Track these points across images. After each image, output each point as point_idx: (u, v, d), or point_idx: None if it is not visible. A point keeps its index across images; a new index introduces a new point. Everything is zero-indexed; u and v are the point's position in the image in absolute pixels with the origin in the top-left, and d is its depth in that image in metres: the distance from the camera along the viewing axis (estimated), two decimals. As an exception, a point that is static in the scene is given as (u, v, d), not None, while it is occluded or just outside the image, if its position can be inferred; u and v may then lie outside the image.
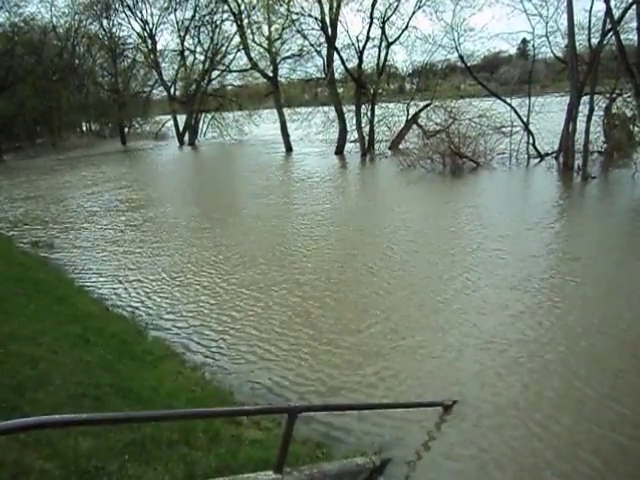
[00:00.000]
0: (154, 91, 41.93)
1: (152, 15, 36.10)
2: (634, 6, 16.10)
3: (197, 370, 5.80)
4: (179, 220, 13.86)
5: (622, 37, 16.47)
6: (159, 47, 37.42)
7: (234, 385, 5.51)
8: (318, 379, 5.56)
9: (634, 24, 16.33)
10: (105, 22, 37.27)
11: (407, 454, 4.31)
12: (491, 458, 4.22)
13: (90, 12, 36.70)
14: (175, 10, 34.96)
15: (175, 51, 36.65)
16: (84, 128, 48.20)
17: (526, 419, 4.68)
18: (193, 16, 34.34)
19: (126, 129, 41.22)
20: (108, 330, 6.43)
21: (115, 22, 37.44)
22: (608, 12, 16.49)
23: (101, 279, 9.33)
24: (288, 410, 3.30)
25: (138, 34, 37.10)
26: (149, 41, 36.79)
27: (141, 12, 36.25)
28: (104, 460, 3.36)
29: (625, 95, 18.46)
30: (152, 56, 36.93)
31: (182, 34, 35.31)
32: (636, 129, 18.25)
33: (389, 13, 24.72)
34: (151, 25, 36.25)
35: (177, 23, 35.18)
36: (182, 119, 37.25)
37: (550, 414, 4.73)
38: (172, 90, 38.07)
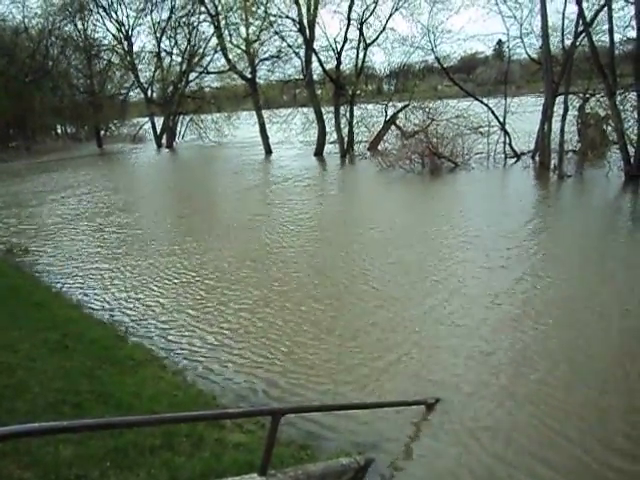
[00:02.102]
0: (131, 93, 41.48)
1: (128, 16, 35.70)
2: (605, 8, 16.47)
3: (179, 374, 5.75)
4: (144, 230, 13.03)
5: (594, 39, 16.82)
6: (135, 49, 37.02)
7: (217, 388, 5.49)
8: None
9: (606, 26, 16.71)
10: (79, 23, 36.72)
11: (391, 453, 4.33)
12: (474, 456, 4.27)
13: (64, 13, 36.09)
14: (151, 11, 34.64)
15: (152, 53, 36.31)
16: (59, 131, 47.39)
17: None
18: (169, 17, 34.05)
19: (102, 132, 40.67)
20: (88, 336, 6.33)
21: (90, 23, 36.93)
22: (580, 14, 16.84)
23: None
24: (272, 412, 3.29)
25: (114, 35, 36.68)
26: (125, 43, 36.36)
27: (116, 13, 35.84)
28: (85, 468, 3.31)
29: (598, 95, 18.84)
30: (128, 58, 36.50)
31: (159, 35, 34.98)
32: (609, 128, 18.65)
33: (366, 15, 24.91)
34: (127, 26, 35.86)
35: (153, 24, 34.84)
36: (160, 121, 36.86)
37: (536, 410, 4.81)
38: (149, 92, 37.70)
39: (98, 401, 4.42)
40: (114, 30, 36.29)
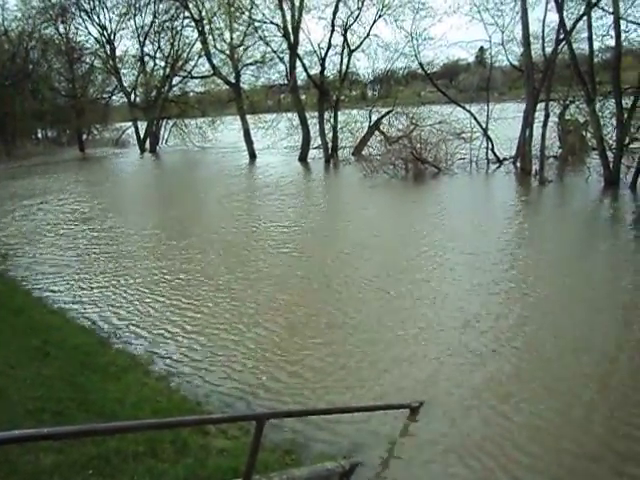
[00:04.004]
0: (114, 97, 41.08)
1: (110, 20, 35.41)
2: (585, 17, 16.80)
3: (162, 380, 5.69)
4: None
5: (574, 46, 17.16)
6: (118, 53, 36.71)
7: (201, 394, 5.45)
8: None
9: (585, 34, 17.05)
10: (61, 27, 36.32)
11: (376, 457, 4.33)
12: (459, 458, 4.30)
13: (45, 16, 35.67)
14: (134, 15, 34.41)
15: (135, 57, 36.02)
16: (40, 135, 46.74)
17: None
18: (153, 22, 33.88)
19: (85, 136, 40.21)
20: (69, 342, 6.24)
21: (72, 27, 36.54)
22: (561, 22, 17.15)
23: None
24: (256, 417, 3.28)
25: (96, 39, 36.33)
26: (107, 46, 36.06)
27: (99, 17, 35.52)
28: (67, 476, 3.26)
29: (578, 102, 19.20)
30: (111, 62, 36.20)
31: (142, 40, 34.77)
32: (589, 135, 18.99)
33: (350, 21, 25.08)
34: (109, 30, 35.56)
35: (136, 28, 34.61)
36: (143, 126, 36.57)
37: (519, 413, 4.86)
38: (132, 96, 37.41)
39: (80, 408, 4.36)
40: (96, 34, 36.00)
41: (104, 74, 38.95)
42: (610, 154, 16.08)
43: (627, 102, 15.88)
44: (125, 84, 36.92)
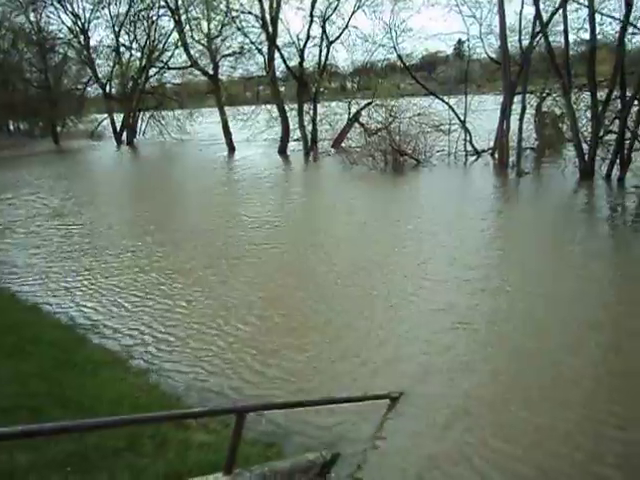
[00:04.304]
0: (89, 88, 40.16)
1: (84, 9, 34.59)
2: (561, 10, 16.99)
3: (141, 376, 5.63)
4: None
5: (550, 39, 17.35)
6: (93, 43, 35.90)
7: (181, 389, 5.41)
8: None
9: (561, 27, 17.26)
10: (32, 15, 35.35)
11: (357, 447, 4.36)
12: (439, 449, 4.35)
13: (15, 4, 34.67)
14: (109, 4, 33.66)
15: (110, 47, 35.31)
16: (11, 127, 45.54)
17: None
18: (128, 11, 33.18)
19: (59, 128, 39.31)
20: (45, 338, 6.12)
21: (43, 15, 35.58)
22: (537, 15, 17.32)
23: None
24: (236, 411, 3.27)
25: (69, 29, 35.44)
26: (81, 36, 35.23)
27: (72, 5, 34.62)
28: (44, 474, 3.21)
29: (554, 94, 19.46)
30: (85, 52, 35.39)
31: (117, 29, 34.07)
32: (565, 127, 19.27)
33: (329, 12, 24.99)
34: (83, 20, 34.72)
35: (111, 18, 33.89)
36: (120, 118, 35.95)
37: (498, 403, 4.93)
38: (108, 87, 36.71)
39: (57, 405, 4.29)
40: (70, 23, 35.13)
41: (78, 65, 38.08)
42: (585, 146, 16.36)
43: (602, 95, 16.15)
44: (100, 75, 36.21)
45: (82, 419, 3.00)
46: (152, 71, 35.07)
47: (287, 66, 26.31)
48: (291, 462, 3.81)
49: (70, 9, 34.59)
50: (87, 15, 34.56)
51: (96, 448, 3.66)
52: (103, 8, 33.99)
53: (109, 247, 10.86)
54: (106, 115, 37.41)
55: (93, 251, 10.66)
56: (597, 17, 15.97)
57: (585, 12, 16.16)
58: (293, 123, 26.21)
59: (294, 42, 25.73)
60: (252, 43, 26.81)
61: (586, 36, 16.76)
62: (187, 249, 10.42)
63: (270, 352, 6.07)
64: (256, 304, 7.49)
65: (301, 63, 25.94)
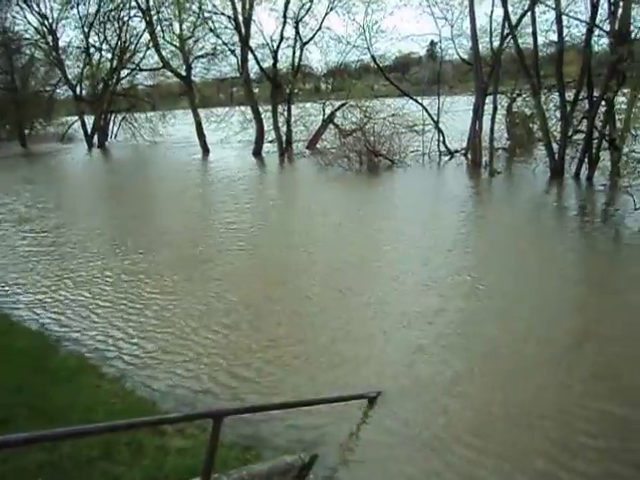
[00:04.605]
0: (58, 90, 39.19)
1: (52, 9, 33.81)
2: (529, 12, 17.33)
3: (117, 382, 5.54)
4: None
5: (520, 41, 17.69)
6: (61, 43, 34.99)
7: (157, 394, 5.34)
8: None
9: (530, 29, 17.58)
10: (-5, 15, 34.38)
11: (335, 449, 4.37)
12: (416, 447, 4.38)
13: (-23, 4, 33.72)
14: (78, 4, 32.95)
15: (79, 48, 34.59)
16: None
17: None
18: (98, 11, 32.53)
19: (27, 131, 38.38)
20: (15, 346, 5.98)
21: (8, 16, 34.66)
22: (506, 18, 17.64)
23: None
24: (213, 415, 3.24)
25: (36, 29, 34.58)
26: (49, 37, 34.43)
27: (38, 5, 33.78)
28: (14, 485, 3.13)
29: (524, 95, 19.86)
30: (54, 53, 34.60)
31: (86, 30, 33.37)
32: (535, 127, 19.67)
33: (302, 13, 24.97)
34: (51, 20, 33.90)
35: (80, 18, 33.19)
36: (91, 120, 35.27)
37: (471, 399, 5.00)
38: (78, 89, 35.94)
39: (29, 415, 4.20)
40: (36, 23, 34.29)
41: (47, 66, 37.24)
42: (555, 145, 16.72)
43: (570, 95, 16.54)
44: (70, 76, 35.37)
45: (55, 428, 2.94)
46: (123, 72, 34.53)
47: (260, 67, 26.23)
48: (269, 465, 3.79)
49: (37, 9, 33.81)
50: (55, 15, 33.83)
51: (70, 457, 3.60)
52: (72, 8, 33.25)
53: (77, 254, 10.49)
54: (76, 117, 36.66)
55: (60, 258, 10.31)
56: (564, 19, 16.37)
57: (553, 14, 16.52)
58: (267, 124, 26.11)
59: (267, 43, 25.70)
60: (225, 44, 26.65)
61: (554, 38, 17.17)
62: (158, 254, 10.13)
63: (245, 353, 6.04)
64: (229, 309, 7.38)
65: (275, 64, 25.88)
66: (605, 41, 16.30)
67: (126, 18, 32.01)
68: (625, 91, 14.19)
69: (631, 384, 5.04)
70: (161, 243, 10.95)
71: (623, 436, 4.32)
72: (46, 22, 33.83)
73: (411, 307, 7.05)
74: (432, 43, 29.55)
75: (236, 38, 25.64)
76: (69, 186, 21.26)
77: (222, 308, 7.43)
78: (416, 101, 22.84)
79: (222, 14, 25.23)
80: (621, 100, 14.49)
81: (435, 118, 21.98)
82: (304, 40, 25.58)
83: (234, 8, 24.34)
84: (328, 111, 26.20)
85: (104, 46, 34.01)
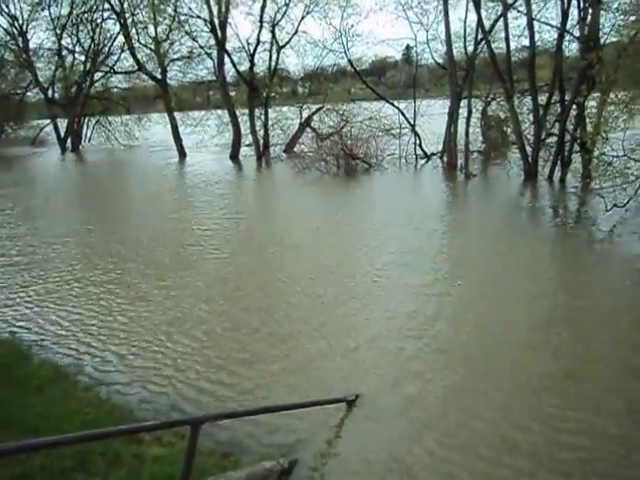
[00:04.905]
0: (29, 93, 38.35)
1: (22, 10, 33.09)
2: (502, 18, 17.64)
3: (91, 390, 5.42)
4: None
5: (493, 46, 17.98)
6: (32, 45, 34.29)
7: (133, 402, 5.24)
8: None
9: (504, 34, 17.91)
10: (-36, 17, 33.50)
11: (314, 453, 4.34)
12: (395, 449, 4.39)
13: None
14: (49, 6, 32.32)
15: (51, 50, 33.93)
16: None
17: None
18: (70, 13, 31.93)
19: (-3, 134, 37.48)
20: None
21: (-24, 17, 33.73)
22: (479, 23, 17.93)
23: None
24: (190, 422, 3.20)
25: (5, 30, 33.83)
26: (20, 38, 33.72)
27: (8, 7, 33.06)
28: (-16, 500, 3.03)
29: (498, 99, 20.19)
30: (24, 55, 33.88)
31: (58, 32, 32.76)
32: (509, 130, 20.00)
33: (278, 17, 24.95)
34: (21, 21, 33.22)
35: (52, 20, 32.56)
36: (64, 123, 34.59)
37: (449, 400, 5.03)
38: (50, 92, 35.23)
39: (-1, 426, 4.07)
40: (6, 24, 33.55)
41: (17, 68, 36.41)
42: (529, 148, 17.02)
43: (542, 99, 16.87)
44: (41, 79, 34.68)
45: (27, 439, 2.85)
46: (97, 75, 33.97)
47: (237, 71, 26.11)
48: (247, 471, 3.75)
49: (6, 10, 33.07)
50: (25, 16, 33.13)
51: (42, 469, 3.50)
52: (42, 10, 32.63)
53: (47, 261, 10.19)
54: (49, 121, 35.94)
55: (29, 265, 9.97)
56: (536, 25, 16.70)
57: (525, 20, 16.83)
58: (244, 128, 26.01)
59: (244, 47, 25.60)
60: (201, 47, 26.44)
61: (527, 43, 17.49)
62: (130, 261, 9.87)
63: (218, 362, 5.98)
64: (202, 317, 7.25)
65: (251, 68, 25.80)
66: (576, 46, 16.71)
67: (100, 20, 31.55)
68: (595, 95, 14.53)
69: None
70: (133, 249, 10.63)
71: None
72: (16, 23, 33.13)
73: (386, 313, 7.02)
74: (408, 47, 29.94)
75: (212, 41, 25.49)
76: (40, 191, 20.34)
77: (195, 318, 7.25)
78: (392, 105, 23.01)
79: (198, 17, 25.09)
80: (592, 104, 14.83)
81: (411, 121, 22.17)
82: (281, 44, 25.59)
83: (210, 11, 24.20)
84: (305, 115, 26.25)
85: (77, 48, 33.40)
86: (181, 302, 7.80)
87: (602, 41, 14.99)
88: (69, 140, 34.20)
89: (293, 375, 5.62)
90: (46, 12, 32.50)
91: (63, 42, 33.16)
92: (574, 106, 15.56)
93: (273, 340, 6.47)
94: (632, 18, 11.78)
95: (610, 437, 4.35)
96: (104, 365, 6.05)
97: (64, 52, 33.54)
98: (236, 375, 5.69)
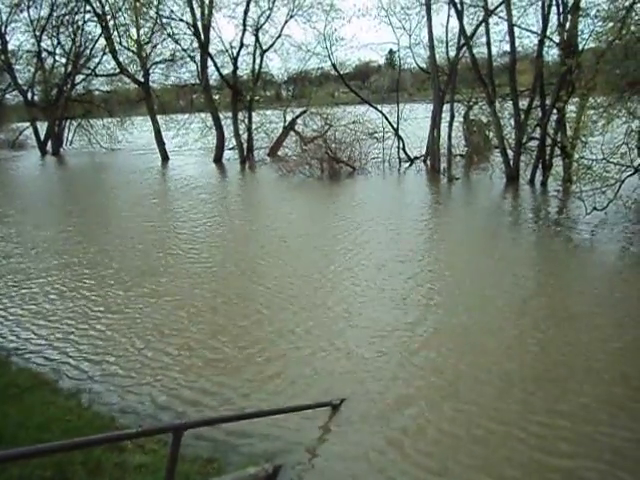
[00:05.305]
0: (8, 95, 37.77)
1: (0, 12, 32.58)
2: (484, 23, 17.84)
3: (72, 398, 5.33)
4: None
5: (475, 51, 18.19)
6: (11, 47, 33.79)
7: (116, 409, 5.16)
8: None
9: (485, 39, 18.11)
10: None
11: (300, 458, 4.32)
12: (380, 452, 4.38)
13: None
14: (28, 7, 31.87)
15: (31, 52, 33.45)
16: None
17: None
18: (50, 15, 31.55)
19: (-25, 137, 36.82)
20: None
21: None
22: (461, 29, 18.12)
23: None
24: (172, 429, 3.15)
25: (-18, 32, 33.24)
26: (-2, 40, 33.17)
27: (-15, 8, 32.54)
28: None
29: (480, 103, 20.41)
30: (2, 57, 33.35)
31: (38, 34, 32.32)
32: (491, 134, 20.22)
33: (262, 21, 24.94)
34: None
35: (32, 22, 32.09)
36: (44, 126, 34.08)
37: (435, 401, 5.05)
38: (30, 95, 34.73)
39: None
40: (-17, 26, 32.95)
41: (-5, 70, 35.78)
42: (511, 152, 17.22)
43: (523, 104, 17.08)
44: (21, 81, 34.18)
45: (4, 449, 2.79)
46: (78, 78, 33.58)
47: (220, 74, 26.01)
48: (232, 477, 3.73)
49: (-16, 11, 32.52)
50: (4, 18, 32.64)
51: (20, 479, 3.42)
52: (22, 11, 32.21)
53: (23, 269, 9.92)
54: (28, 124, 35.39)
55: (3, 273, 9.72)
56: (517, 31, 16.91)
57: (506, 25, 17.02)
58: (228, 132, 25.92)
59: (227, 50, 25.52)
60: (184, 50, 26.31)
61: (508, 48, 17.70)
62: (107, 269, 9.65)
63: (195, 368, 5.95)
64: (178, 323, 7.17)
65: (235, 71, 25.72)
66: (556, 52, 16.95)
67: (81, 22, 31.22)
68: (575, 100, 14.75)
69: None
70: (110, 257, 10.38)
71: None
72: (-6, 25, 32.59)
73: (363, 322, 6.95)
74: (391, 52, 30.07)
75: (195, 44, 25.40)
76: (18, 195, 19.91)
77: (170, 324, 7.16)
78: (376, 109, 23.12)
79: (181, 20, 24.96)
80: (571, 109, 15.05)
81: (395, 125, 22.29)
82: (264, 47, 25.57)
83: (193, 14, 24.09)
84: (289, 118, 26.24)
85: (57, 50, 32.98)
86: (156, 309, 7.65)
87: (581, 47, 15.26)
88: (49, 143, 33.73)
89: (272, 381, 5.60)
90: (25, 14, 32.11)
91: (43, 44, 32.75)
92: (555, 111, 15.78)
93: (248, 346, 6.41)
94: (610, 24, 11.95)
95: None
96: (81, 373, 5.94)
97: (44, 54, 33.13)
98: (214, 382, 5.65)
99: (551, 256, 9.89)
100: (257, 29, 25.03)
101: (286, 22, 25.11)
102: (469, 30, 18.28)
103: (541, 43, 16.34)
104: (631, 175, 11.50)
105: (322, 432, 4.66)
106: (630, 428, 4.50)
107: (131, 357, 6.30)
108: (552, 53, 17.74)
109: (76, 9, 30.33)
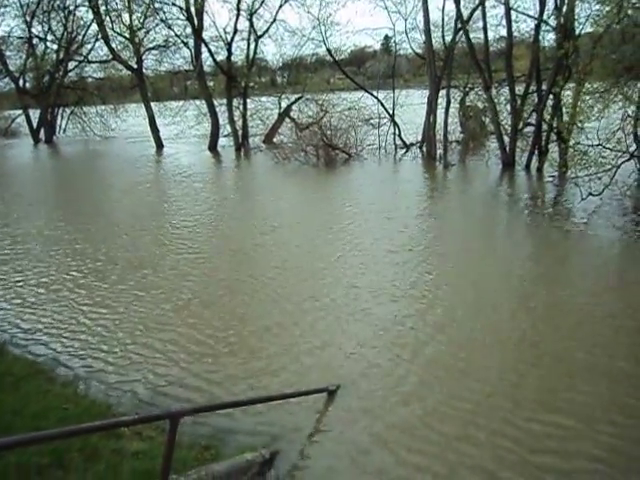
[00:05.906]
0: (-1, 83, 37.40)
1: (-11, -3, 32.01)
2: (480, 7, 17.69)
3: (69, 386, 5.33)
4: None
5: (472, 36, 18.04)
6: (1, 33, 33.39)
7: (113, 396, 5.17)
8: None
9: (482, 24, 17.98)
10: None
11: (296, 444, 4.34)
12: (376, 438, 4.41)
13: None
14: (18, -9, 31.36)
15: (22, 38, 32.98)
16: None
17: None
18: (40, 0, 31.11)
19: (-34, 125, 36.42)
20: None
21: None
22: (458, 13, 17.95)
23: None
24: (169, 416, 3.15)
25: (-29, 18, 32.75)
26: (-12, 27, 32.76)
27: (-26, -7, 31.98)
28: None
29: (476, 89, 20.31)
30: (-7, 43, 32.90)
31: (29, 19, 31.84)
32: (487, 120, 20.16)
33: (256, 6, 24.60)
34: (-11, 8, 32.22)
35: (22, 7, 31.60)
36: (36, 114, 33.75)
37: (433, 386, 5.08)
38: (21, 82, 34.31)
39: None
40: (-29, 12, 32.44)
41: (-15, 57, 35.28)
42: (507, 138, 17.18)
43: (520, 89, 17.02)
44: (12, 68, 33.74)
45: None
46: (71, 64, 33.17)
47: (214, 60, 25.74)
48: (229, 463, 3.74)
49: (-27, -3, 31.96)
50: (-8, 4, 32.08)
51: (18, 467, 3.42)
52: (11, -5, 31.67)
53: (12, 259, 9.76)
54: (20, 111, 35.02)
55: None
56: (513, 15, 16.78)
57: (503, 9, 16.90)
58: (223, 118, 25.72)
59: (221, 36, 25.21)
60: (177, 36, 25.98)
61: (504, 33, 17.57)
62: (97, 260, 9.48)
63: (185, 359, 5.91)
64: (165, 318, 7.03)
65: (229, 57, 25.43)
66: (552, 37, 16.84)
67: (72, 7, 30.76)
68: (572, 85, 14.69)
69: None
70: (101, 247, 10.20)
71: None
72: (-17, 11, 32.07)
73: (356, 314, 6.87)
74: (386, 37, 29.91)
75: (189, 30, 25.07)
76: (9, 184, 19.62)
77: (157, 318, 7.05)
78: (372, 94, 22.98)
79: (174, 5, 24.61)
80: (568, 94, 15.00)
81: (390, 111, 22.18)
82: (259, 33, 25.27)
83: (186, -1, 23.77)
84: (284, 105, 26.05)
85: (49, 37, 32.51)
86: (144, 303, 7.52)
87: (578, 31, 15.17)
88: (42, 131, 33.43)
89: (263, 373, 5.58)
90: (15, -1, 31.53)
91: (34, 30, 32.22)
92: (551, 96, 15.72)
93: (237, 340, 6.31)
94: (607, 8, 11.87)
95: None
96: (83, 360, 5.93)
97: (35, 40, 32.66)
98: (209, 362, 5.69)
99: (545, 241, 9.91)
100: (251, 14, 24.72)
101: (280, 6, 24.82)
102: (465, 14, 18.12)
103: (538, 27, 16.23)
104: (627, 161, 11.51)
105: (319, 417, 4.68)
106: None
107: (113, 349, 6.27)
108: (549, 38, 17.67)
109: (67, -7, 29.86)
